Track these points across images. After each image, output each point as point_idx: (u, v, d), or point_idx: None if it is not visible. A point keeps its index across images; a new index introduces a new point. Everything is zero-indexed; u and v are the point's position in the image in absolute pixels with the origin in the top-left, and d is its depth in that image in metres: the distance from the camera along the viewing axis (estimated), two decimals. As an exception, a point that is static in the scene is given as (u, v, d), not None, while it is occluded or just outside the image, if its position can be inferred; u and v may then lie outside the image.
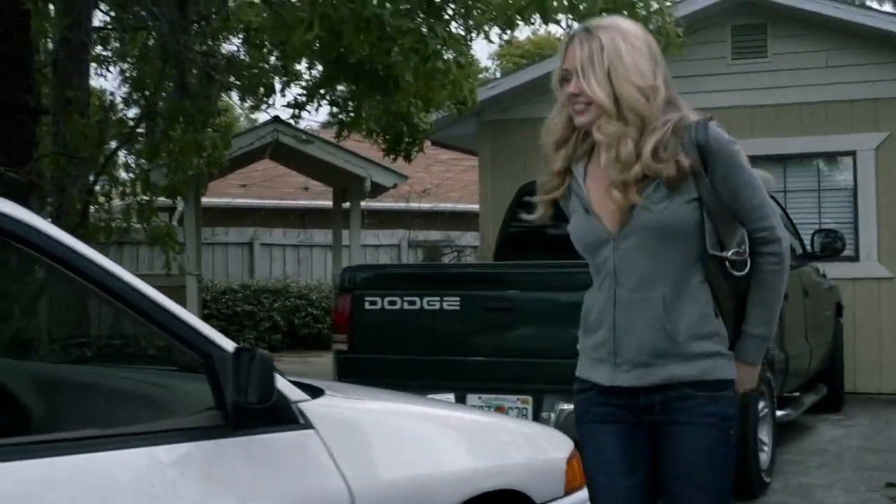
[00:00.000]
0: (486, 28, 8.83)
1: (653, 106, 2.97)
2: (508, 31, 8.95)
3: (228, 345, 2.92)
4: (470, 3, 7.65)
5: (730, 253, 3.01)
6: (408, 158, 11.46)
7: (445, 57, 8.07)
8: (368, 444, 3.32)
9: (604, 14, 7.68)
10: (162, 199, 11.13)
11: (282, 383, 3.02)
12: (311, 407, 3.15)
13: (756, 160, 10.76)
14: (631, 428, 3.11)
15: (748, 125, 12.44)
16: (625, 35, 3.01)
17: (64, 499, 2.52)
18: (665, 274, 3.00)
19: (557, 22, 8.59)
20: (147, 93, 10.17)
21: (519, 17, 8.48)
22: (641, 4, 8.17)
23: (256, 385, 2.82)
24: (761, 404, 7.49)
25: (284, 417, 3.04)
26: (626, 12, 7.76)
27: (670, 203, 2.97)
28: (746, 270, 3.04)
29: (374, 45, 7.94)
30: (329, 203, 18.63)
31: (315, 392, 3.30)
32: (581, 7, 7.74)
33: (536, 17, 8.61)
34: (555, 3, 8.13)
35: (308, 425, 3.09)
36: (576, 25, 8.67)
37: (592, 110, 3.00)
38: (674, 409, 3.04)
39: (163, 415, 3.22)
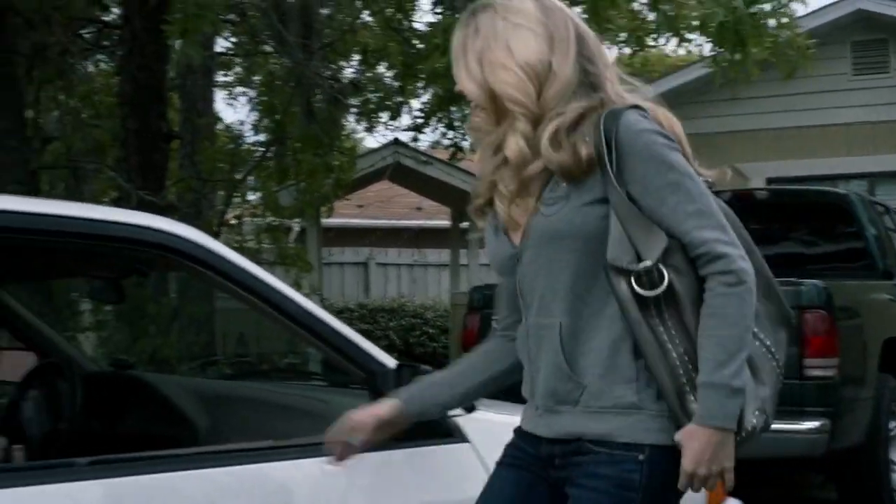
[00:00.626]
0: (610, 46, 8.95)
1: (545, 90, 2.36)
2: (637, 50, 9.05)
3: (390, 361, 3.05)
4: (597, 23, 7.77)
5: (640, 265, 2.27)
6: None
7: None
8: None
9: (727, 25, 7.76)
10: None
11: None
12: (465, 421, 3.26)
13: (879, 177, 10.70)
14: (533, 477, 2.51)
15: (871, 141, 12.33)
16: (507, 12, 2.40)
17: (247, 504, 2.69)
18: (562, 295, 2.36)
19: (689, 41, 8.67)
20: (276, 117, 10.45)
21: (650, 36, 8.60)
22: (771, 20, 8.17)
23: (419, 400, 2.95)
24: (892, 423, 7.43)
25: (442, 431, 3.15)
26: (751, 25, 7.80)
27: (566, 205, 2.34)
28: (661, 290, 2.27)
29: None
30: (442, 223, 18.80)
31: (468, 407, 3.41)
32: (710, 26, 7.78)
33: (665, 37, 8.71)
34: (682, 24, 8.22)
35: (464, 439, 3.20)
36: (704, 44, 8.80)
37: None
38: (569, 464, 2.39)
39: (325, 428, 3.36)
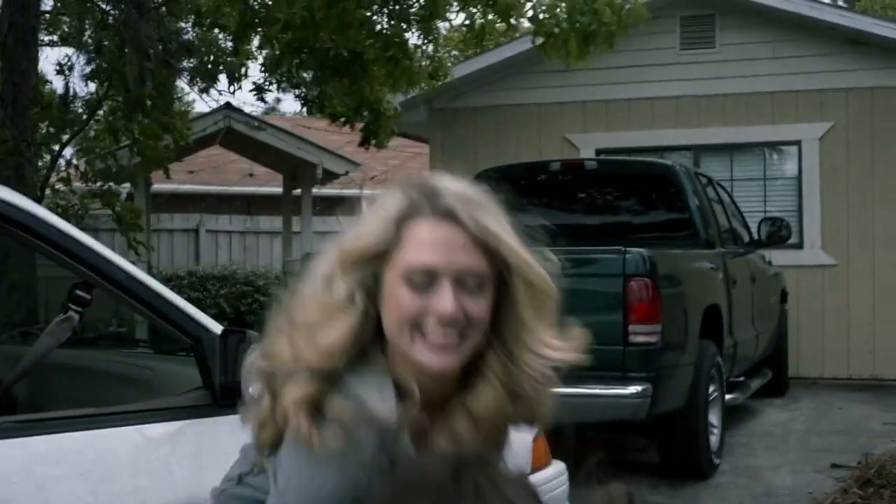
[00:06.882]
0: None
1: None
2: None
3: (216, 327, 3.01)
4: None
5: None
6: (380, 145, 11.63)
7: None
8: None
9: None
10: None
11: (266, 364, 3.11)
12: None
13: (704, 149, 11.02)
14: None
15: (696, 115, 12.65)
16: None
17: (67, 472, 2.61)
18: None
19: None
20: (104, 78, 10.17)
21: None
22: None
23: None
24: (711, 388, 7.66)
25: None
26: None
27: None
28: None
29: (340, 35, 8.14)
30: (275, 189, 18.61)
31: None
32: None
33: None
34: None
35: (292, 405, 3.18)
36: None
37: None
38: None
39: (152, 395, 3.31)
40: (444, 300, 1.84)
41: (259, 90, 11.26)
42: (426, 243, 1.87)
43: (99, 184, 10.42)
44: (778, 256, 11.12)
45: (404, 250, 1.88)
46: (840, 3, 24.95)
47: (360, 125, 11.34)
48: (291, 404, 1.86)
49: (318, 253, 2.09)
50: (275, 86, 11.44)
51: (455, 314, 1.84)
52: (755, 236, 10.17)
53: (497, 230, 1.88)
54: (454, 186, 1.93)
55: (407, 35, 9.24)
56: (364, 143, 11.54)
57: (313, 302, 1.93)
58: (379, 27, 9.33)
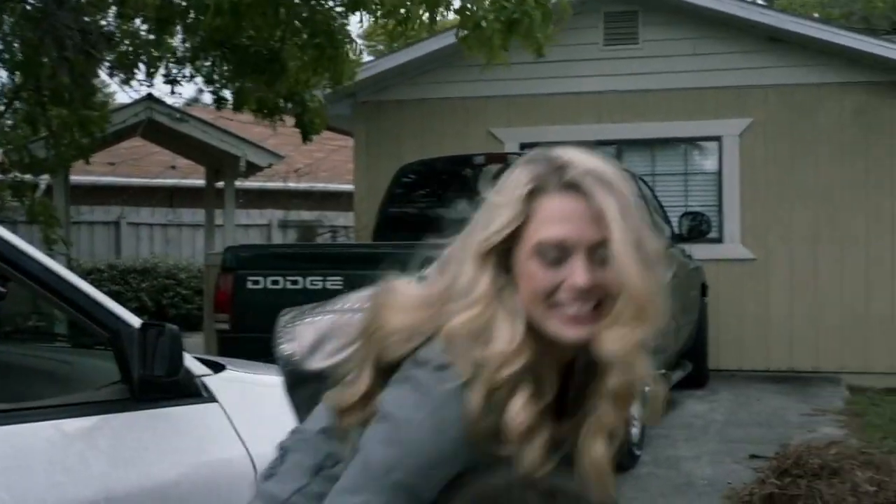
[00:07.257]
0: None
1: None
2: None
3: (135, 320, 2.98)
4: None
5: None
6: (317, 132, 11.54)
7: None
8: (268, 415, 3.40)
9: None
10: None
11: (185, 358, 3.09)
12: (213, 381, 3.23)
13: (626, 144, 11.09)
14: None
15: (618, 110, 12.74)
16: None
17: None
18: None
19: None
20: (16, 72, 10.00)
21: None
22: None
23: (164, 359, 2.90)
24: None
25: (188, 391, 3.12)
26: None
27: None
28: None
29: (262, 28, 8.07)
30: (197, 182, 18.43)
31: (216, 367, 3.37)
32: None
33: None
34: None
35: (211, 398, 3.17)
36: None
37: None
38: None
39: (69, 389, 3.27)
40: (577, 273, 1.87)
41: (172, 82, 11.13)
42: (556, 217, 1.89)
43: (13, 175, 10.25)
44: (698, 250, 11.23)
45: (534, 226, 1.90)
46: (759, 0, 25.21)
47: (285, 121, 11.24)
48: (527, 415, 1.88)
49: (439, 252, 2.10)
50: (186, 79, 11.30)
51: (589, 286, 1.87)
52: (676, 230, 10.28)
53: (612, 212, 1.87)
54: (582, 160, 1.94)
55: (333, 24, 9.15)
56: (305, 137, 11.42)
57: (468, 306, 1.91)
58: (306, 14, 9.24)
